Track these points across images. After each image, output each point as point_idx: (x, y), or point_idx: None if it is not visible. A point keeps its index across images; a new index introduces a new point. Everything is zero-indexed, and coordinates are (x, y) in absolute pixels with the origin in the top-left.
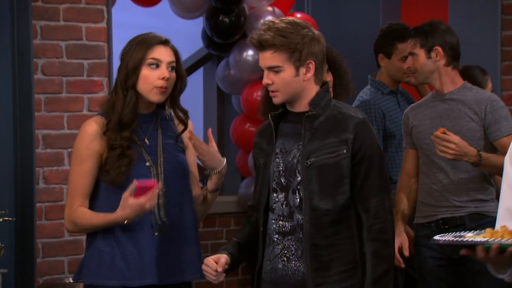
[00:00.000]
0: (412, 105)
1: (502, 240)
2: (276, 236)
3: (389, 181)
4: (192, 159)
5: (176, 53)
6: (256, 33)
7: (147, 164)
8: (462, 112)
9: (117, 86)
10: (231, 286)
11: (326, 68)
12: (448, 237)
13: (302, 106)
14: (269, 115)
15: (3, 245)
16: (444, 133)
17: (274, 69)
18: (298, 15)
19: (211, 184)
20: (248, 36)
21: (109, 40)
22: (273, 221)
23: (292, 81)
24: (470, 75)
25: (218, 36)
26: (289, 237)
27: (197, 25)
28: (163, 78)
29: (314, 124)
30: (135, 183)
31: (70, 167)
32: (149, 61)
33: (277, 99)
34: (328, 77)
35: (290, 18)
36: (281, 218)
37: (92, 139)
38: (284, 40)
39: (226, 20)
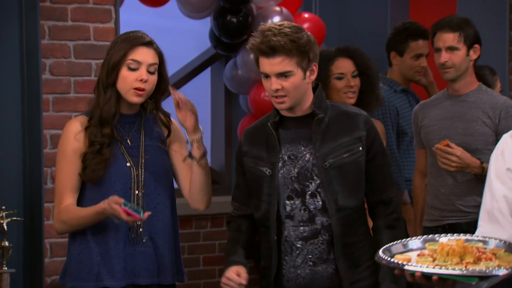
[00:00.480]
0: (421, 102)
1: (425, 268)
2: (300, 242)
3: (401, 179)
4: (178, 158)
5: (160, 55)
6: (262, 40)
7: (128, 164)
8: (475, 116)
9: (99, 83)
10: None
11: (356, 73)
12: (395, 246)
13: (302, 110)
14: (268, 124)
15: (11, 245)
16: (447, 145)
17: (285, 74)
18: (306, 15)
19: (196, 151)
20: None
21: None
22: (293, 228)
23: (300, 85)
24: (479, 75)
25: (226, 36)
26: (311, 241)
27: (205, 25)
28: (141, 80)
29: (321, 126)
30: (123, 203)
31: (56, 167)
32: (129, 62)
33: (285, 105)
34: (353, 82)
35: (286, 22)
36: (301, 223)
37: (74, 137)
38: (294, 44)
39: (234, 20)
